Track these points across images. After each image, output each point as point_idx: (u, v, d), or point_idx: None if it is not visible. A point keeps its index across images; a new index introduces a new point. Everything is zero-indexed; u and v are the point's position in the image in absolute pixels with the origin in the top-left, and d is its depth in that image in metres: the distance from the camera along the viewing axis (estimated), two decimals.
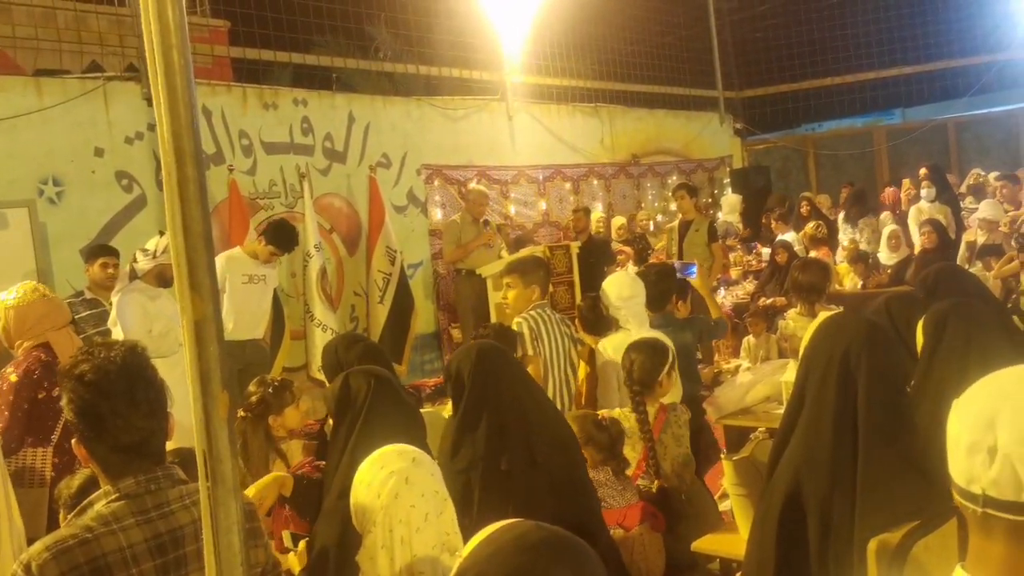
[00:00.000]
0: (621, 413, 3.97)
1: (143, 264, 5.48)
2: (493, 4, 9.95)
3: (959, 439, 1.12)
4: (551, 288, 8.04)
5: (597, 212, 10.22)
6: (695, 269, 5.97)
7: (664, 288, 4.97)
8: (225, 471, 1.57)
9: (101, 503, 1.89)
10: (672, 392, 4.11)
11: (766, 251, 10.38)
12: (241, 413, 3.81)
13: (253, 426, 3.79)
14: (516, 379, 3.27)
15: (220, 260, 6.20)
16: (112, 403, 1.88)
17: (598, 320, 4.91)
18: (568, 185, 10.96)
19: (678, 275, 7.10)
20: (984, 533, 1.11)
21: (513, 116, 10.26)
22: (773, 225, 10.54)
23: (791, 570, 2.43)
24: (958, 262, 8.09)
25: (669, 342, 4.24)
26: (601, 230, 9.96)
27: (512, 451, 3.06)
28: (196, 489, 1.95)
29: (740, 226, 11.57)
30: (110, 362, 1.90)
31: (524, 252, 7.93)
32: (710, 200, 12.73)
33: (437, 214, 9.29)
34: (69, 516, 1.98)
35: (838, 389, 2.42)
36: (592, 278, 7.98)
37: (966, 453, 1.10)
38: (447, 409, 4.29)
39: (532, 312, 4.71)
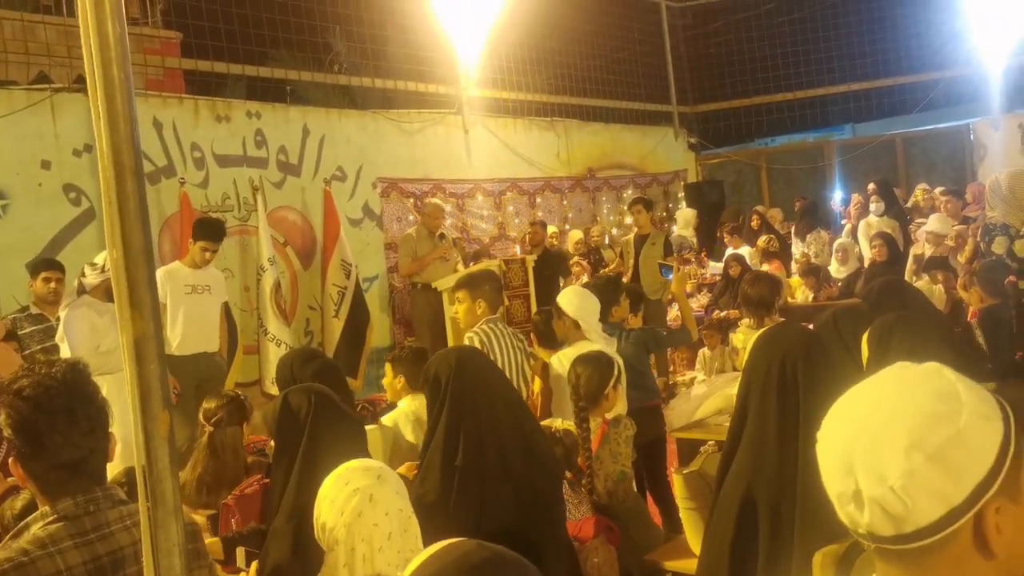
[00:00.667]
0: (565, 425, 3.97)
1: (91, 279, 5.38)
2: (449, 18, 9.96)
3: (829, 487, 1.15)
4: (506, 301, 8.09)
5: (551, 226, 10.27)
6: (671, 272, 5.97)
7: (606, 298, 4.99)
8: (166, 491, 1.54)
9: (38, 525, 1.84)
10: (618, 405, 4.12)
11: (715, 264, 10.50)
12: (208, 428, 3.76)
13: (223, 441, 3.74)
14: (494, 387, 3.23)
15: (159, 275, 6.08)
16: (51, 419, 1.84)
17: (552, 333, 4.92)
18: (524, 199, 10.99)
19: (662, 276, 7.10)
20: (884, 561, 1.14)
21: (469, 130, 10.27)
22: (725, 239, 10.66)
23: None
24: (906, 275, 8.23)
25: (616, 355, 4.27)
26: (555, 243, 10.00)
27: (487, 460, 3.03)
28: (137, 510, 1.91)
29: (695, 240, 11.69)
30: (50, 378, 1.86)
31: (479, 266, 7.94)
32: (665, 214, 12.85)
33: (393, 227, 9.26)
34: (6, 538, 1.93)
35: (779, 398, 2.45)
36: (547, 291, 8.01)
37: (838, 502, 1.14)
38: (389, 417, 4.28)
39: (484, 326, 4.71)
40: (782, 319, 4.98)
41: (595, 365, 3.98)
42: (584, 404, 3.89)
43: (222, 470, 3.66)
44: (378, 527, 2.10)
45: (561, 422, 4.01)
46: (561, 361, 4.65)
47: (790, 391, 2.44)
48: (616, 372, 4.04)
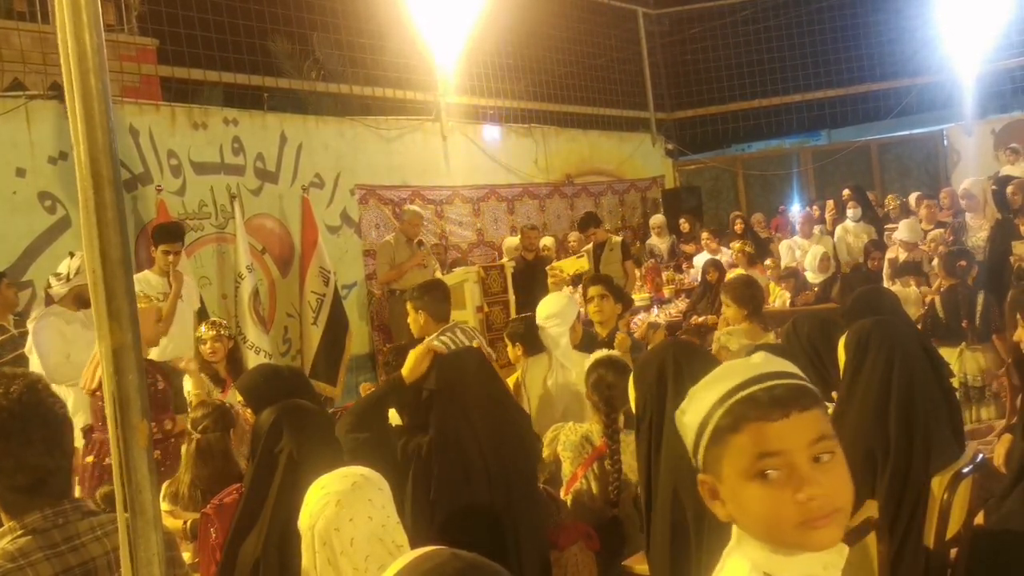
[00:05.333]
0: (572, 427, 3.95)
1: (58, 288, 5.34)
2: (427, 25, 9.97)
3: None
4: (486, 308, 8.09)
5: (546, 238, 10.29)
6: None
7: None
8: (145, 501, 1.53)
9: (6, 539, 1.82)
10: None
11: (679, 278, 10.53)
12: (196, 436, 3.76)
13: (210, 447, 3.74)
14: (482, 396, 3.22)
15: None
16: (5, 443, 1.81)
17: (535, 339, 4.91)
18: (503, 205, 11.01)
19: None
20: None
21: (447, 136, 10.28)
22: (703, 241, 10.72)
23: None
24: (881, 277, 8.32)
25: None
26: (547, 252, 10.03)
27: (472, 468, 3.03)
28: (109, 520, 1.90)
29: (663, 247, 11.75)
30: (5, 398, 1.83)
31: (458, 272, 7.95)
32: (642, 220, 12.91)
33: (371, 235, 9.24)
34: None
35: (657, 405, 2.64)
36: (536, 298, 8.04)
37: None
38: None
39: (442, 337, 4.71)
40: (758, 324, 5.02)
41: (618, 371, 3.86)
42: (615, 415, 3.83)
43: (216, 475, 3.65)
44: (340, 532, 2.10)
45: (571, 424, 3.98)
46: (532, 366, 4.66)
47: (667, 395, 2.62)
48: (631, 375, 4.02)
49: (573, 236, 11.02)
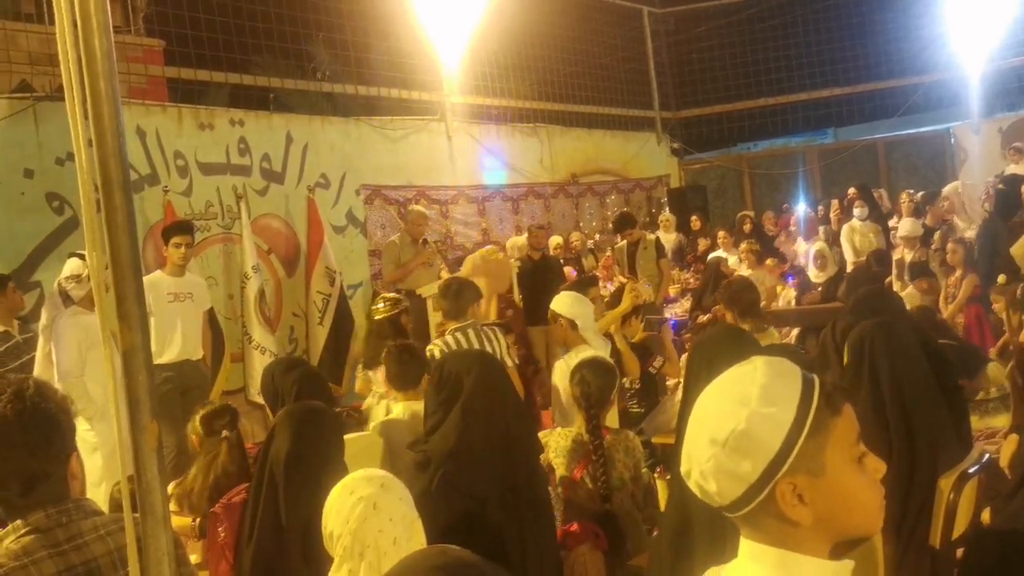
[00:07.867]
0: (560, 432, 3.97)
1: (78, 292, 5.41)
2: (432, 24, 9.98)
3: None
4: None
5: (555, 237, 10.30)
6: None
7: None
8: (155, 501, 1.55)
9: (10, 539, 1.83)
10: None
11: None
12: (227, 435, 3.77)
13: (241, 446, 3.76)
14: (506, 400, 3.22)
15: None
16: (3, 450, 1.82)
17: (404, 374, 4.32)
18: (508, 205, 11.01)
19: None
20: (738, 522, 1.33)
21: (452, 136, 10.28)
22: (720, 241, 10.72)
23: None
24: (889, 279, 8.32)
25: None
26: (559, 251, 10.04)
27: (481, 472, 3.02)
28: (112, 520, 1.91)
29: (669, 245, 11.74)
30: (3, 404, 1.83)
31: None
32: (648, 219, 12.90)
33: (376, 234, 9.26)
34: None
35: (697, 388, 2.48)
36: (543, 298, 8.04)
37: (685, 479, 1.35)
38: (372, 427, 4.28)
39: (450, 336, 4.71)
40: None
41: (601, 370, 3.95)
42: (596, 412, 3.88)
43: (240, 472, 3.68)
44: (383, 533, 2.14)
45: (560, 430, 4.00)
46: (569, 364, 4.66)
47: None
48: (618, 376, 4.06)
49: (575, 236, 11.00)
